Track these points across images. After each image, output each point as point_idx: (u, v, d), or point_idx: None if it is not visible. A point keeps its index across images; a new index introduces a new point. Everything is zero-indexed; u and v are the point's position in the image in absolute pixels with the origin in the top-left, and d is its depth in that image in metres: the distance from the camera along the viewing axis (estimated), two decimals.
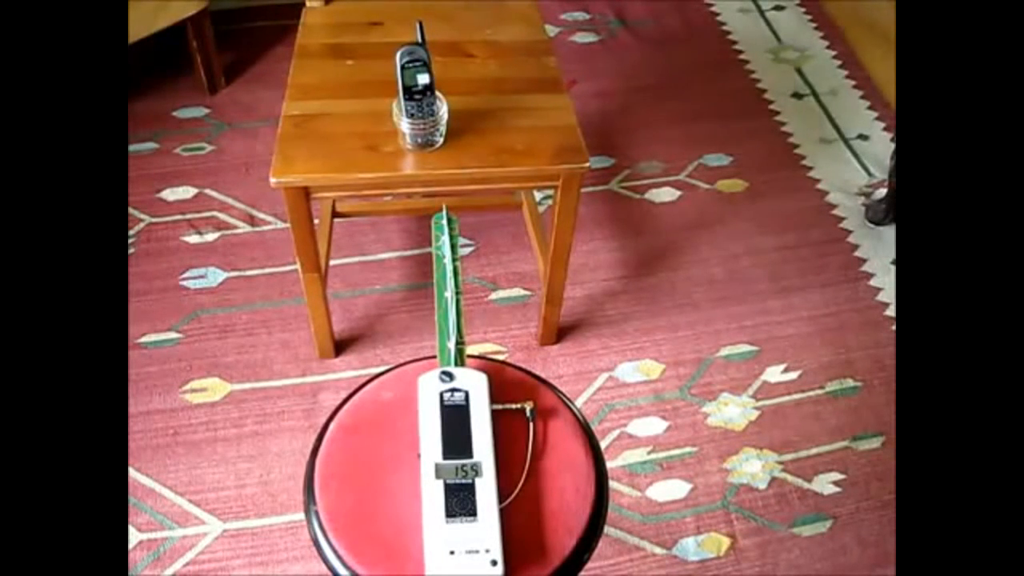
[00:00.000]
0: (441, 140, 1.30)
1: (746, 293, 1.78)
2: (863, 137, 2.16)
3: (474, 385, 0.88)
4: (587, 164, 1.32)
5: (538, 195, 1.85)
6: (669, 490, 1.47)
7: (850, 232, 1.92)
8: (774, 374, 1.65)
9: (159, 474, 1.45)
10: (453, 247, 0.94)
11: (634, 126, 2.15)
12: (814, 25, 2.50)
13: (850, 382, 1.64)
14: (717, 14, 2.52)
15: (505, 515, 0.80)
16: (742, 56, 2.38)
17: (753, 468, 1.51)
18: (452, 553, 0.77)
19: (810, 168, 2.07)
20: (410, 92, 1.23)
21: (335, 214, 1.69)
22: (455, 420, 0.85)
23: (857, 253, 1.88)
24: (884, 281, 1.82)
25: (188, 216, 1.86)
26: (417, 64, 1.21)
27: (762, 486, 1.48)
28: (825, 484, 1.49)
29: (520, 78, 1.45)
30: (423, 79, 1.22)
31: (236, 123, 2.07)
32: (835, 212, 1.97)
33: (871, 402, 1.61)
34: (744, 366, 1.66)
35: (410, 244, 1.83)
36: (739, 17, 2.51)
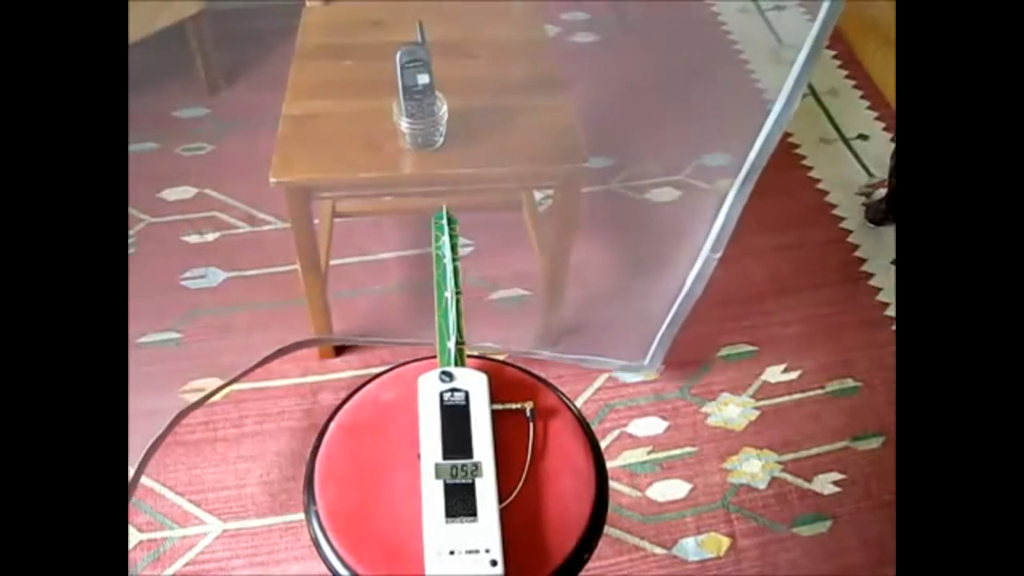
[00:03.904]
0: (441, 140, 1.30)
1: (746, 293, 1.78)
2: (863, 137, 2.16)
3: (474, 385, 0.88)
4: (587, 164, 1.32)
5: (538, 195, 1.85)
6: (669, 490, 1.47)
7: (850, 232, 1.92)
8: (774, 374, 1.65)
9: (159, 474, 1.45)
10: (453, 247, 0.94)
11: (634, 126, 2.14)
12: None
13: (850, 382, 1.64)
14: (717, 14, 2.52)
15: (505, 515, 0.80)
16: (742, 56, 2.38)
17: (753, 468, 1.51)
18: (452, 553, 0.77)
19: (810, 168, 2.07)
20: (410, 92, 1.23)
21: (335, 214, 1.69)
22: (455, 420, 0.85)
23: (857, 253, 1.88)
24: (884, 281, 1.82)
25: (188, 216, 1.86)
26: (417, 64, 1.21)
27: (762, 486, 1.48)
28: (825, 484, 1.49)
29: (520, 78, 1.45)
30: (423, 79, 1.22)
31: (236, 123, 2.07)
32: (835, 212, 1.96)
33: (871, 402, 1.61)
34: (744, 366, 1.66)
35: (410, 244, 1.83)
36: (739, 17, 2.51)
